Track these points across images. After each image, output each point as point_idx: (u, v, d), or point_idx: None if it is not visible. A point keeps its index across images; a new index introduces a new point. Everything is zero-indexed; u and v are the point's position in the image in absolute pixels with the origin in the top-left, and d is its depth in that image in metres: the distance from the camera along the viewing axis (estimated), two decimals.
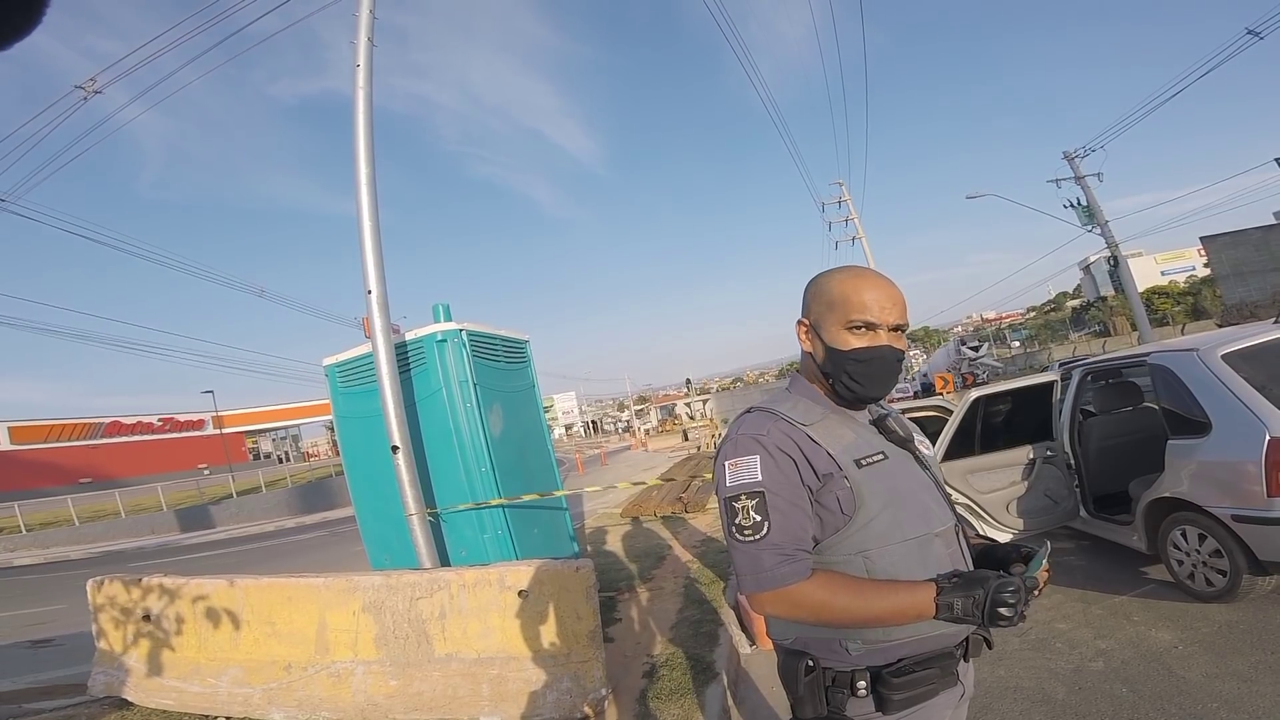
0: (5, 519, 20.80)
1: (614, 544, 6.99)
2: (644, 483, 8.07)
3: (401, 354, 4.61)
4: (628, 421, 56.96)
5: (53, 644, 6.16)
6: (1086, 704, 2.66)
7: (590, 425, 71.53)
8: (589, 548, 6.71)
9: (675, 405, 43.27)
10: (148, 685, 3.65)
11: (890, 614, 1.10)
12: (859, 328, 1.17)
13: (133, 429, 40.44)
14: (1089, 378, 4.49)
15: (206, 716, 3.39)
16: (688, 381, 46.94)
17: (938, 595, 1.08)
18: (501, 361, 5.05)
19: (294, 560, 10.62)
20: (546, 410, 5.90)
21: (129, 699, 3.64)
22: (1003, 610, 1.04)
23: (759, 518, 1.12)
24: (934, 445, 4.03)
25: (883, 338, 1.18)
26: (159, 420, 42.07)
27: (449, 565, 4.34)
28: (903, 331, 1.24)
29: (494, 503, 4.45)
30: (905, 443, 1.24)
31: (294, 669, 3.36)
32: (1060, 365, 4.92)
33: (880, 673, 1.12)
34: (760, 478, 1.13)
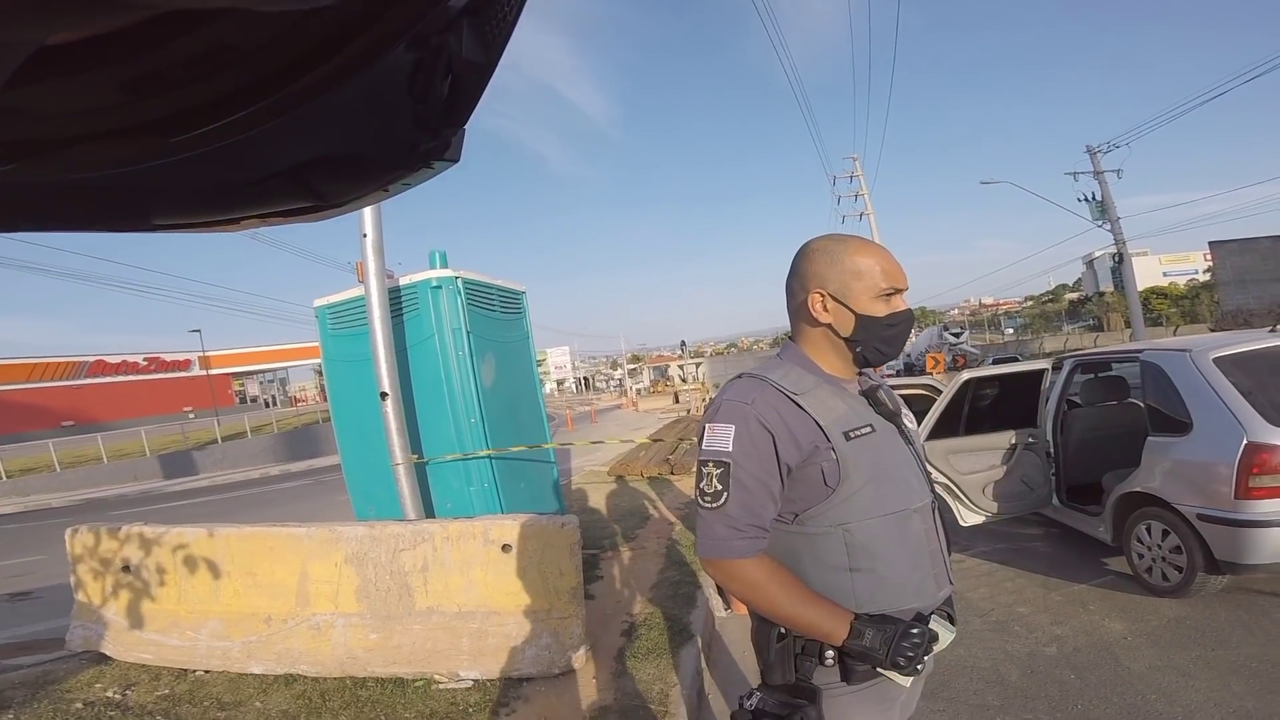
0: None
1: (599, 502, 7.11)
2: (632, 441, 8.15)
3: (395, 299, 4.56)
4: (620, 380, 57.15)
5: (31, 596, 6.06)
6: (1036, 688, 2.79)
7: (583, 382, 71.71)
8: (574, 505, 6.81)
9: (668, 367, 43.31)
10: (127, 639, 3.61)
11: (804, 624, 1.14)
12: (889, 294, 1.21)
13: (117, 369, 39.65)
14: (1079, 369, 4.55)
15: (185, 671, 3.37)
16: (682, 344, 46.89)
17: (854, 621, 1.12)
18: (497, 312, 5.03)
19: (278, 509, 10.62)
20: (539, 364, 5.89)
21: (107, 653, 3.60)
22: (906, 652, 1.09)
23: (720, 487, 1.15)
24: (921, 424, 4.10)
25: (903, 302, 1.23)
26: (144, 360, 41.24)
27: (434, 517, 4.40)
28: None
29: (481, 454, 4.49)
30: (893, 416, 1.26)
31: (274, 621, 3.35)
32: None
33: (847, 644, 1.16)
34: (730, 449, 1.15)
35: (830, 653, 1.14)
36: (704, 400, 21.49)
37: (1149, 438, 3.55)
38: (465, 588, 3.19)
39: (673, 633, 3.38)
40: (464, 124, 0.49)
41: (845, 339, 1.23)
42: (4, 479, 19.38)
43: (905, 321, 1.24)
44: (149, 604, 3.60)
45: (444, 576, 3.22)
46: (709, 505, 1.16)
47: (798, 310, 1.27)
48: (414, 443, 4.51)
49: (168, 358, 42.29)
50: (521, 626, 3.09)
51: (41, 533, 9.70)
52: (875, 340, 1.22)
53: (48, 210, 0.47)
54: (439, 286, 4.50)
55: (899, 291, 1.23)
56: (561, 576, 3.13)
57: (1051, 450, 4.35)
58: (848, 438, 1.16)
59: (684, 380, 34.35)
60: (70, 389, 36.67)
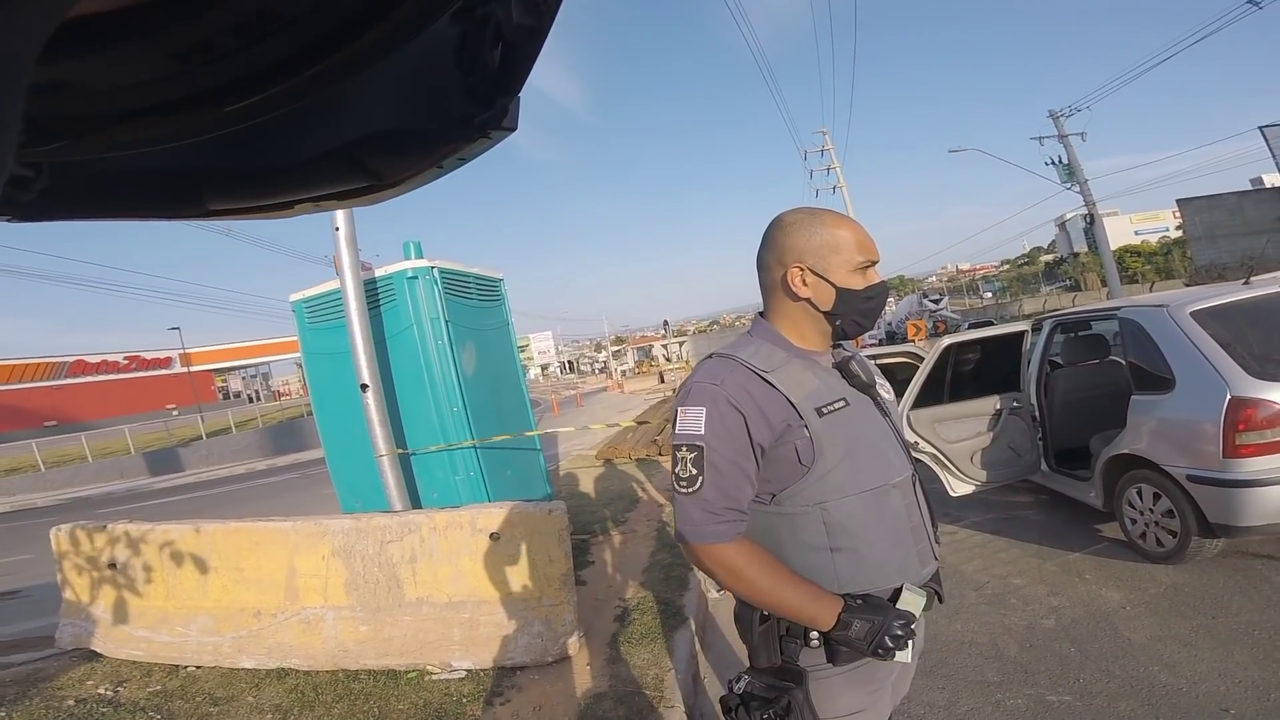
0: None
1: (587, 486, 7.06)
2: (619, 425, 8.10)
3: (371, 290, 4.51)
4: (604, 363, 57.12)
5: (19, 595, 6.04)
6: (1036, 661, 2.77)
7: (567, 365, 71.60)
8: (562, 490, 6.77)
9: (652, 347, 43.34)
10: (116, 635, 3.60)
11: (790, 609, 1.12)
12: (865, 267, 1.20)
13: (97, 368, 39.20)
14: (1058, 329, 4.53)
15: (176, 666, 3.36)
16: (665, 323, 46.83)
17: (843, 611, 1.09)
18: (475, 299, 4.97)
19: (265, 504, 10.53)
20: (522, 350, 5.82)
21: (97, 650, 3.60)
22: (888, 642, 1.07)
23: (695, 471, 1.12)
24: (905, 392, 4.06)
25: (878, 275, 1.22)
26: (124, 359, 40.79)
27: (420, 507, 4.33)
28: None
29: (466, 444, 4.42)
30: (867, 388, 1.23)
31: (263, 616, 3.33)
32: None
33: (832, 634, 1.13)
34: (703, 432, 1.12)
35: (815, 634, 1.12)
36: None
37: (1133, 396, 3.53)
38: (454, 578, 3.15)
39: (665, 617, 3.35)
40: (518, 92, 0.48)
41: (825, 312, 1.20)
42: None
43: (882, 294, 1.23)
44: (137, 601, 3.59)
45: (432, 567, 3.18)
46: (685, 490, 1.14)
47: (774, 284, 1.24)
48: (397, 434, 4.44)
49: (148, 356, 41.83)
50: (513, 615, 3.05)
51: (28, 531, 9.59)
52: (854, 313, 1.20)
53: (107, 196, 0.47)
54: (415, 277, 4.43)
55: (873, 264, 1.21)
56: (551, 563, 3.08)
57: (1037, 414, 4.33)
58: (820, 414, 1.13)
59: (669, 360, 34.37)
60: (51, 389, 36.32)
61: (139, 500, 13.70)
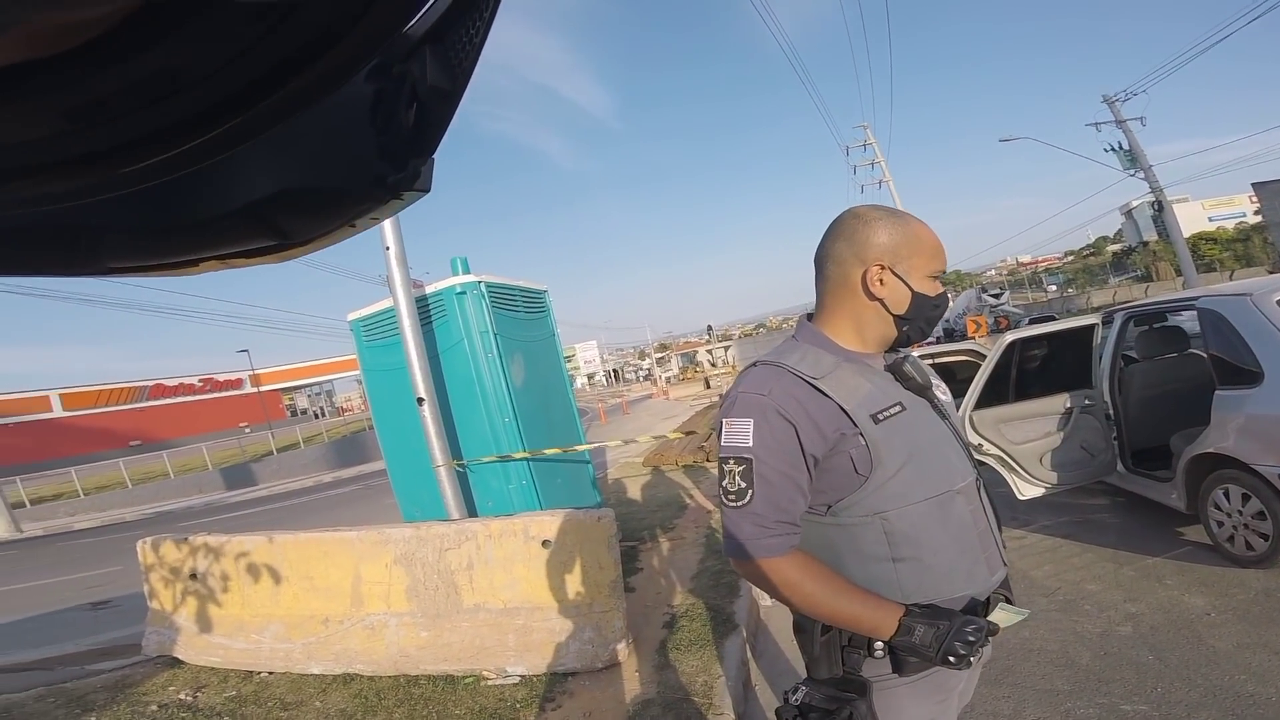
0: (64, 484, 21.78)
1: (635, 493, 7.08)
2: (665, 436, 8.11)
3: (423, 307, 4.66)
4: (649, 370, 57.24)
5: (110, 605, 6.34)
6: (1111, 670, 2.61)
7: (612, 374, 72.06)
8: (611, 497, 6.80)
9: (696, 353, 43.14)
10: (197, 643, 3.76)
11: (846, 620, 1.08)
12: (937, 276, 1.17)
13: (175, 390, 41.76)
14: (1131, 322, 4.28)
15: (251, 672, 3.49)
16: (709, 328, 46.58)
17: (904, 616, 1.05)
18: (521, 312, 5.07)
19: (331, 515, 10.92)
20: (568, 360, 5.92)
21: (180, 657, 3.76)
22: (959, 650, 1.01)
23: (744, 484, 1.08)
24: (966, 392, 3.90)
25: (941, 286, 1.19)
26: (199, 381, 43.29)
27: (477, 515, 4.43)
28: None
29: (517, 456, 4.51)
30: (923, 390, 1.17)
31: (331, 623, 3.44)
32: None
33: (895, 640, 1.08)
34: (750, 444, 1.08)
35: (879, 644, 1.08)
36: None
37: (1216, 391, 3.30)
38: (509, 584, 3.20)
39: (716, 624, 3.31)
40: (432, 153, 0.47)
41: (896, 316, 1.15)
42: (82, 496, 20.55)
43: (945, 304, 1.20)
44: (216, 609, 3.75)
45: (488, 574, 3.24)
46: (734, 504, 1.10)
47: (844, 280, 1.16)
48: (453, 445, 4.57)
49: (220, 378, 44.20)
50: (564, 621, 3.07)
51: (117, 545, 10.21)
52: (922, 320, 1.16)
53: (1, 254, 0.45)
54: (463, 292, 4.56)
55: (942, 273, 1.18)
56: (601, 570, 3.10)
57: (1111, 412, 4.09)
58: (876, 420, 1.08)
59: (713, 365, 34.15)
60: (135, 411, 38.78)
61: (216, 514, 14.41)
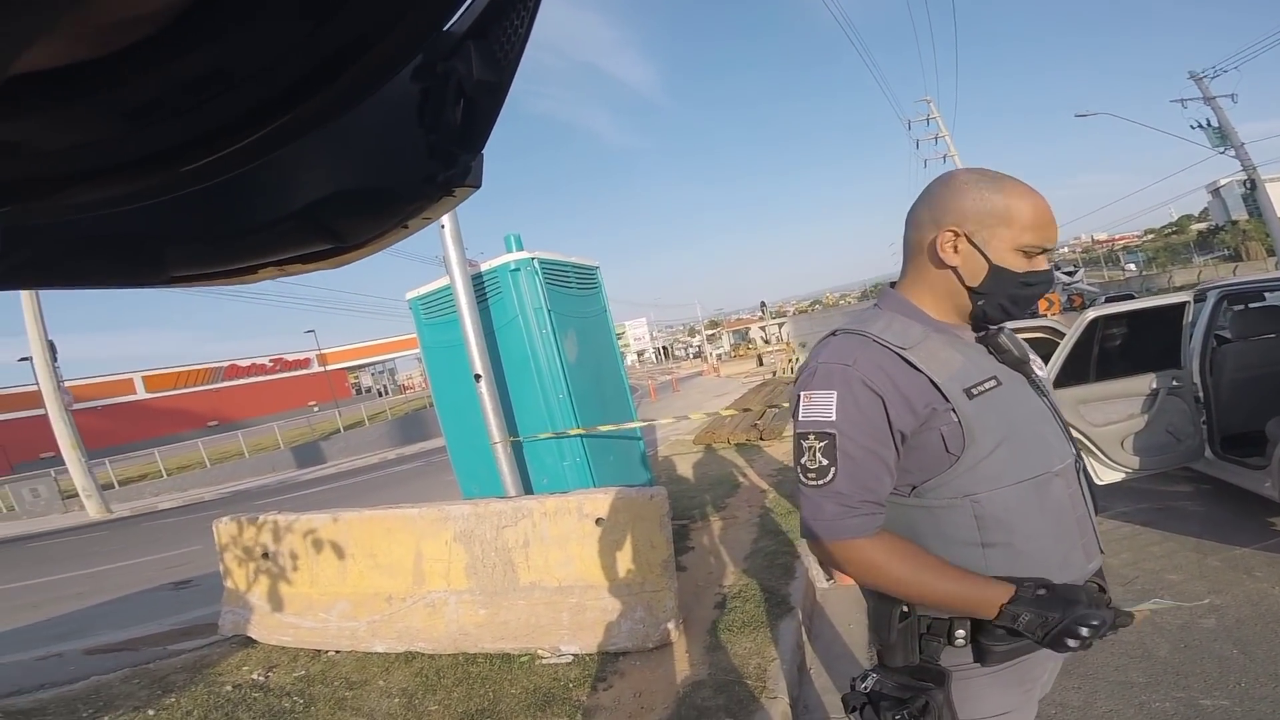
0: (148, 465, 22.76)
1: (687, 471, 7.08)
2: (717, 413, 8.04)
3: (479, 285, 4.73)
4: (699, 347, 56.90)
5: (192, 584, 6.57)
6: (1190, 663, 2.46)
7: (662, 351, 71.99)
8: (662, 475, 6.80)
9: (749, 330, 42.59)
10: (269, 622, 3.84)
11: (944, 601, 1.02)
12: (1034, 252, 1.05)
13: (248, 371, 43.51)
14: (1226, 300, 3.97)
15: (319, 651, 3.57)
16: (762, 305, 45.78)
17: (1010, 600, 0.97)
18: (573, 288, 5.09)
19: (394, 492, 11.21)
20: (619, 337, 5.94)
21: (253, 636, 3.86)
22: (1069, 641, 0.94)
23: (825, 461, 1.02)
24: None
25: (1045, 263, 1.07)
26: (270, 361, 45.01)
27: (532, 492, 4.53)
28: None
29: (572, 433, 4.57)
30: (1020, 364, 1.10)
31: (394, 600, 3.52)
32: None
33: (985, 623, 1.02)
34: (834, 417, 1.02)
35: (961, 632, 1.03)
36: (790, 361, 20.92)
37: None
38: (564, 562, 3.24)
39: (770, 605, 3.28)
40: (482, 147, 0.48)
41: (970, 288, 1.07)
42: (165, 477, 21.57)
43: (1043, 283, 1.07)
44: (286, 588, 3.84)
45: (544, 552, 3.29)
46: (814, 482, 1.04)
47: (921, 246, 1.10)
48: (509, 421, 4.65)
49: (289, 358, 45.97)
50: (616, 600, 3.10)
51: (197, 524, 10.77)
52: (1003, 297, 1.06)
53: (70, 264, 0.47)
54: (517, 269, 4.60)
55: (1044, 251, 1.06)
56: (653, 549, 3.11)
57: (1201, 394, 3.80)
58: (970, 395, 1.01)
59: (767, 341, 33.63)
60: (211, 392, 40.70)
61: (288, 492, 15.00)
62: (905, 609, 1.06)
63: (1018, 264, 1.05)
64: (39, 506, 18.17)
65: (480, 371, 4.47)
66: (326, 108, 0.37)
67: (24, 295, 15.50)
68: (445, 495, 5.49)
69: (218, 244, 0.49)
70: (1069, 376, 3.73)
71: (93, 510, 16.23)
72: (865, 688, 1.06)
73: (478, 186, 0.50)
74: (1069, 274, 23.25)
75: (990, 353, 1.09)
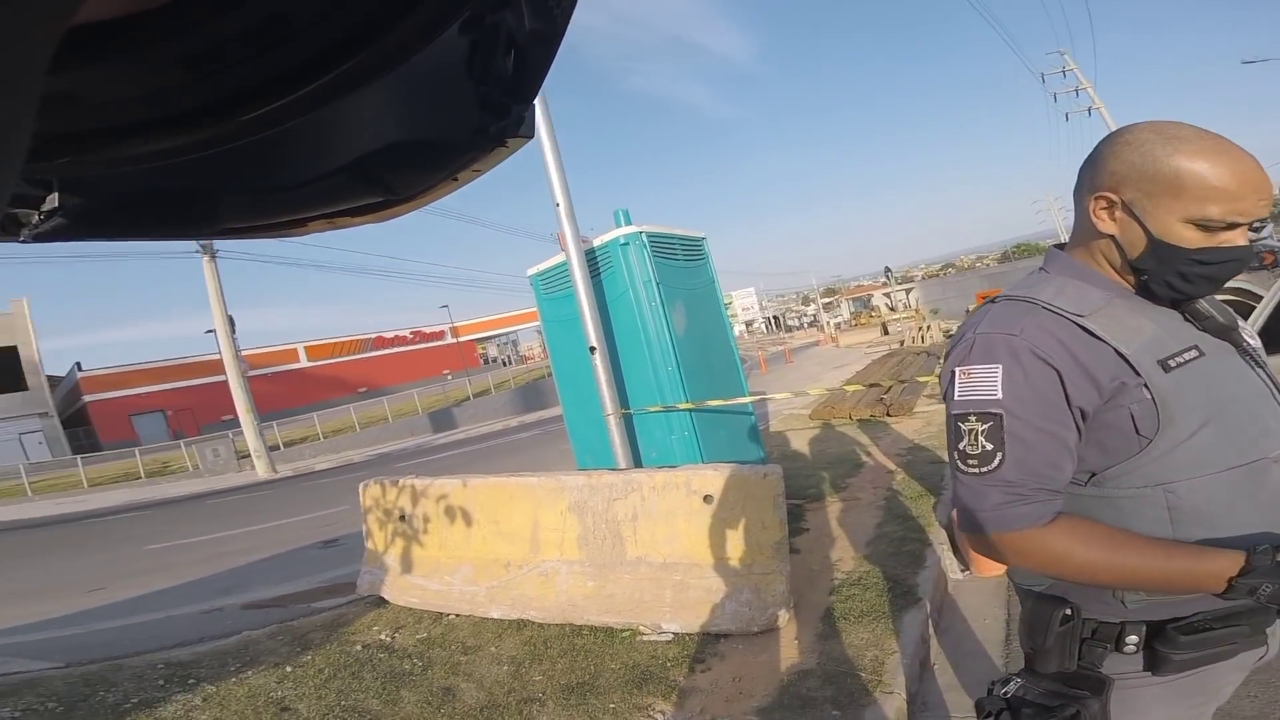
0: (307, 428, 25.13)
1: (802, 448, 6.82)
2: (840, 388, 7.65)
3: (591, 259, 4.82)
4: (814, 316, 54.67)
5: (337, 544, 6.93)
6: None
7: (772, 321, 69.92)
8: (774, 451, 6.58)
9: (871, 296, 40.21)
10: (400, 583, 3.98)
11: (1153, 581, 0.87)
12: (1220, 227, 0.86)
13: (392, 342, 47.92)
14: None
15: (441, 614, 3.69)
16: (887, 270, 42.94)
17: (1242, 572, 0.80)
18: (680, 259, 5.06)
19: (515, 459, 11.78)
20: (726, 307, 5.83)
21: (385, 597, 4.00)
22: None
23: (990, 446, 0.90)
24: None
25: (1242, 236, 0.87)
26: (410, 334, 49.31)
27: (641, 465, 4.56)
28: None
29: (681, 407, 4.54)
30: (1226, 332, 0.93)
31: (511, 567, 3.61)
32: None
33: (1164, 628, 0.89)
34: (999, 395, 0.89)
35: (1134, 638, 0.90)
36: (920, 329, 19.52)
37: None
38: (670, 538, 3.23)
39: (893, 595, 3.05)
40: (533, 99, 0.48)
41: (1135, 264, 0.92)
42: (321, 440, 23.85)
43: (1231, 261, 0.88)
44: (418, 550, 4.00)
45: (651, 526, 3.29)
46: (974, 469, 0.91)
47: (1078, 209, 0.98)
48: (620, 393, 4.72)
49: (427, 330, 50.11)
50: (721, 581, 3.03)
51: (346, 485, 11.76)
52: (1170, 274, 0.89)
53: (124, 215, 0.48)
54: (626, 243, 4.63)
55: (1234, 226, 0.86)
56: (764, 530, 3.00)
57: None
58: (1166, 368, 0.87)
59: (893, 309, 31.60)
60: (361, 361, 45.12)
61: (424, 455, 16.19)
62: (1069, 611, 0.93)
63: (1191, 238, 0.87)
64: (218, 465, 20.19)
65: (594, 344, 4.55)
66: (382, 59, 0.37)
67: (207, 274, 17.65)
68: (561, 464, 5.66)
69: (272, 196, 0.51)
70: (1270, 344, 3.12)
71: (261, 470, 18.07)
72: (1005, 693, 0.95)
73: (530, 137, 0.50)
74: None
75: (1188, 319, 0.93)
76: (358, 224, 0.57)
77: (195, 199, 0.48)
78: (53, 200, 0.40)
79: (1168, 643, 0.88)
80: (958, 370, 0.95)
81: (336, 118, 0.44)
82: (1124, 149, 0.90)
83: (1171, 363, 0.87)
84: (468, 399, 26.98)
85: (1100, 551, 0.88)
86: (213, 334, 19.05)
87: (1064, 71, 21.46)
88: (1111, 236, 0.93)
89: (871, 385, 6.81)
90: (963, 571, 3.68)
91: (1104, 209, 0.92)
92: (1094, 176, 0.93)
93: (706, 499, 3.15)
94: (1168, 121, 0.89)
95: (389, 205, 0.54)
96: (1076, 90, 21.43)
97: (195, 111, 0.37)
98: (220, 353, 18.70)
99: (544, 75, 0.46)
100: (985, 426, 0.90)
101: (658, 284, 4.60)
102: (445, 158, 0.51)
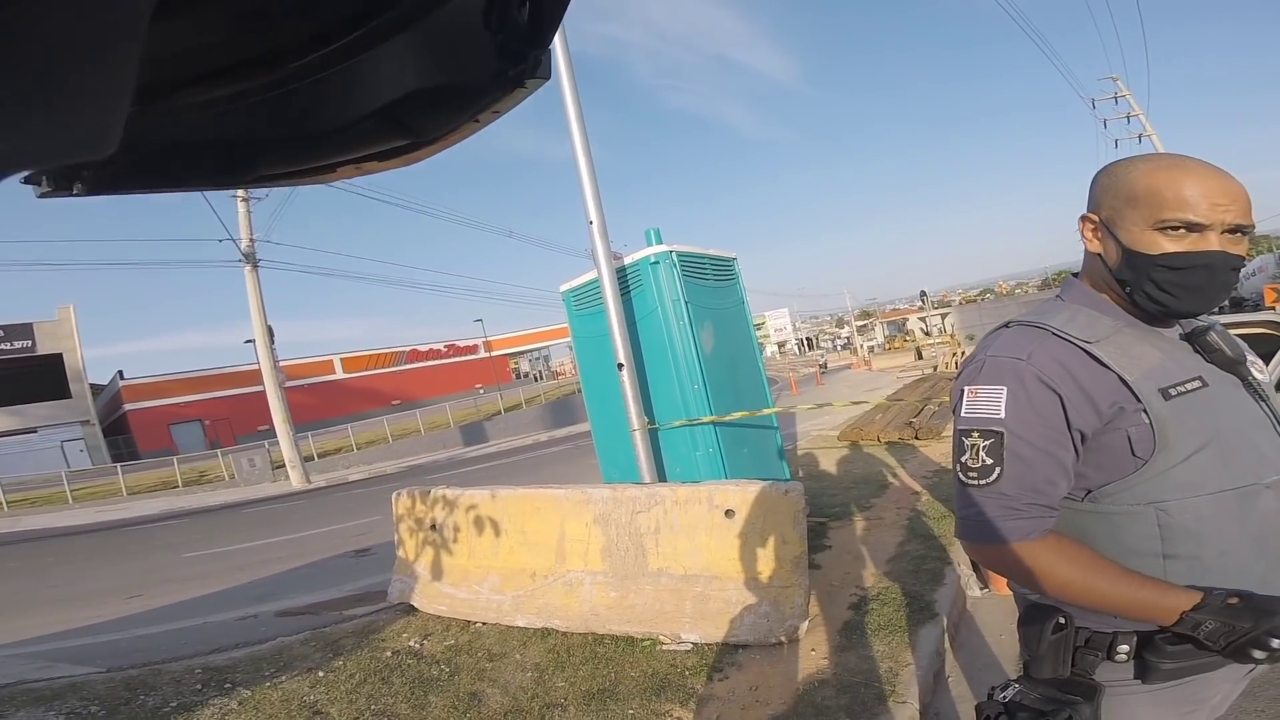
0: (341, 439, 25.09)
1: (828, 468, 6.81)
2: (865, 402, 7.61)
3: (622, 277, 4.89)
4: (848, 338, 54.03)
5: (370, 553, 7.01)
6: None
7: (805, 342, 69.21)
8: (800, 470, 6.59)
9: (906, 320, 39.67)
10: (429, 591, 4.05)
11: (1117, 607, 0.94)
12: (1175, 228, 0.94)
13: (426, 355, 48.29)
14: None
15: (469, 622, 3.76)
16: (922, 294, 42.34)
17: (1195, 608, 0.88)
18: (710, 280, 5.11)
19: (544, 473, 11.87)
20: (758, 328, 5.85)
21: (415, 605, 4.06)
22: (1255, 652, 0.84)
23: (989, 461, 0.97)
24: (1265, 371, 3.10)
25: (1212, 241, 0.93)
26: (444, 347, 49.70)
27: (665, 480, 4.65)
28: (1245, 234, 0.96)
29: (704, 420, 4.62)
30: (1233, 365, 0.98)
31: (537, 577, 3.69)
32: None
33: (1153, 638, 0.93)
34: (1002, 415, 0.96)
35: (1124, 647, 0.95)
36: (955, 355, 19.22)
37: None
38: (691, 551, 3.29)
39: (911, 610, 3.09)
40: (548, 45, 0.50)
41: (1116, 278, 1.00)
42: (355, 450, 23.93)
43: (1200, 268, 0.93)
44: (447, 559, 4.08)
45: (673, 539, 3.35)
46: (975, 482, 0.99)
47: (1085, 240, 1.07)
48: (648, 410, 4.80)
49: (461, 344, 50.45)
50: (741, 593, 3.09)
51: (378, 496, 11.86)
52: (1144, 283, 0.96)
53: (170, 166, 0.51)
54: (657, 262, 4.70)
55: (1206, 228, 0.92)
56: (784, 544, 3.06)
57: None
58: (1166, 395, 0.93)
59: (927, 333, 31.12)
60: (395, 374, 45.50)
61: (456, 468, 16.26)
62: (1061, 620, 0.99)
63: (1152, 245, 0.95)
64: (254, 475, 19.93)
65: (622, 360, 4.64)
66: (408, 14, 0.40)
67: (249, 285, 17.65)
68: (588, 479, 5.73)
69: (306, 143, 0.54)
70: None
71: (295, 480, 18.04)
72: (1004, 698, 1.01)
73: (547, 78, 0.52)
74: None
75: (1196, 351, 0.99)
76: (384, 168, 0.60)
77: (237, 147, 0.51)
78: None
79: (1156, 652, 0.93)
80: (966, 389, 1.02)
81: (367, 68, 0.47)
82: (1103, 176, 1.03)
83: (1173, 391, 0.93)
84: (499, 413, 27.16)
85: (1080, 573, 0.94)
86: (251, 344, 19.09)
87: (1115, 98, 21.16)
88: (1099, 255, 1.02)
89: (897, 400, 6.74)
90: (981, 589, 3.72)
91: (1090, 229, 1.03)
92: (1089, 203, 1.05)
93: (728, 513, 3.22)
94: (1160, 153, 1.02)
95: (414, 149, 0.57)
96: (1128, 117, 21.17)
97: (244, 64, 0.40)
98: (259, 363, 18.73)
99: (559, 21, 0.49)
100: (987, 443, 0.97)
101: (686, 303, 4.65)
102: (467, 100, 0.53)
